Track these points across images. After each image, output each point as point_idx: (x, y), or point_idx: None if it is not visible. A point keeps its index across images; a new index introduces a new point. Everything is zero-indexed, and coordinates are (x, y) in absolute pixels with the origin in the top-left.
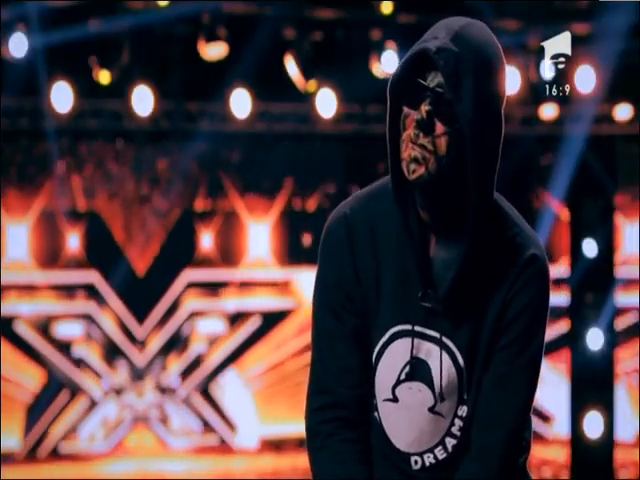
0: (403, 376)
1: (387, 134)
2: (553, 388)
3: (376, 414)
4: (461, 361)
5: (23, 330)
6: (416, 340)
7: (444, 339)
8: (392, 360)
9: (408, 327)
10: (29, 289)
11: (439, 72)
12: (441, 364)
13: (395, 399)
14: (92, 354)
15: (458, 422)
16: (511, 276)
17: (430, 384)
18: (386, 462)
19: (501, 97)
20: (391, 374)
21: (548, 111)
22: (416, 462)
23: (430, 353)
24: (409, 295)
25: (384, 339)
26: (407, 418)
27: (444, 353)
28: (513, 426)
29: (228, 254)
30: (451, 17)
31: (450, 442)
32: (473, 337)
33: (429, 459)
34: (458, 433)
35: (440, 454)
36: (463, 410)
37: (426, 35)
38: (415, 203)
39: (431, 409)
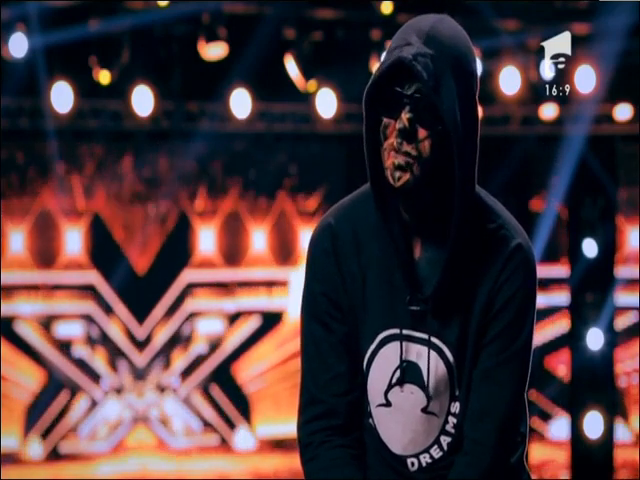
0: (394, 380)
1: (365, 144)
2: None
3: (370, 420)
4: (450, 358)
5: (23, 330)
6: (405, 343)
7: (432, 339)
8: (383, 365)
9: (396, 331)
10: (29, 289)
11: (416, 78)
12: (429, 363)
13: (388, 404)
14: (92, 354)
15: (452, 419)
16: (497, 267)
17: (422, 385)
18: (382, 465)
19: (476, 89)
20: (383, 379)
21: (548, 111)
22: (412, 464)
23: (420, 355)
24: (396, 299)
25: (374, 345)
26: (401, 421)
27: (432, 352)
28: (504, 418)
29: (228, 254)
30: (417, 17)
31: (445, 440)
32: (462, 333)
33: (425, 459)
34: (453, 430)
35: (436, 453)
36: (456, 407)
37: (397, 40)
38: (398, 207)
39: (424, 409)
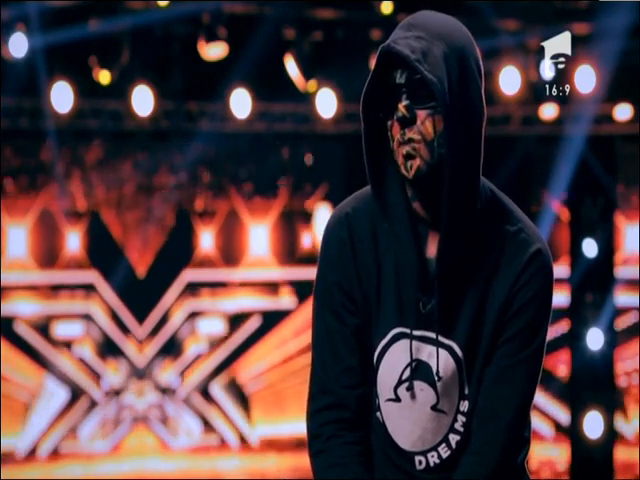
0: (404, 376)
1: (366, 155)
2: None
3: (379, 414)
4: (460, 356)
5: (23, 330)
6: (416, 343)
7: (441, 338)
8: (393, 361)
9: (407, 331)
10: (29, 289)
11: (404, 64)
12: (438, 361)
13: (397, 399)
14: (92, 354)
15: (461, 418)
16: (516, 270)
17: (431, 383)
18: (389, 464)
19: (475, 68)
20: (392, 375)
21: (548, 111)
22: (420, 462)
23: (432, 355)
24: (408, 297)
25: (385, 341)
26: (410, 417)
27: (442, 350)
28: (514, 419)
29: (228, 254)
30: None
31: (454, 439)
32: (473, 332)
33: (433, 459)
34: (461, 429)
35: (444, 452)
36: (465, 405)
37: None
38: (410, 209)
39: (433, 407)
